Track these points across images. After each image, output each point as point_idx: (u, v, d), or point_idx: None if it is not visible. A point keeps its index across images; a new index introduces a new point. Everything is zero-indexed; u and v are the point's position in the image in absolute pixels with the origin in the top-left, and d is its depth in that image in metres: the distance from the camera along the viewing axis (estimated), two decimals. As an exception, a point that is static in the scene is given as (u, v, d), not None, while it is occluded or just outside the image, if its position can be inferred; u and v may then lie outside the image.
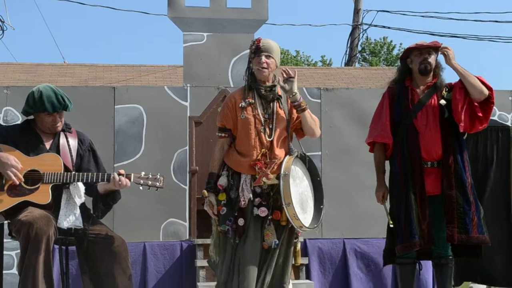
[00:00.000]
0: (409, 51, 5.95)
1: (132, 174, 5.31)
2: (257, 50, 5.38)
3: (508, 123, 10.17)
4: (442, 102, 5.80)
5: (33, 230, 4.85)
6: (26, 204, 5.09)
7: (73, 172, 5.26)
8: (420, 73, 5.88)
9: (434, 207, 5.70)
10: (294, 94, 5.31)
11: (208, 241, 8.49)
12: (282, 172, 5.20)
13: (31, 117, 5.45)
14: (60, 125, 5.40)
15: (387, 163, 5.97)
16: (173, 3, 9.93)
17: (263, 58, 5.36)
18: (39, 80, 13.35)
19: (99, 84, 13.06)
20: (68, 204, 5.20)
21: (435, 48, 5.88)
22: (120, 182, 5.21)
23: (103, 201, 5.38)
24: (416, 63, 5.89)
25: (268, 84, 5.43)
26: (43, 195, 5.14)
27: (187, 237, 9.24)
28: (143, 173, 5.35)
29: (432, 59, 5.87)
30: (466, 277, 7.59)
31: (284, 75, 5.30)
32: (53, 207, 5.17)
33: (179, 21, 9.97)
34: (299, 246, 5.51)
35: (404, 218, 5.68)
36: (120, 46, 53.62)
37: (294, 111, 5.43)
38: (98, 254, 5.20)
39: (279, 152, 5.34)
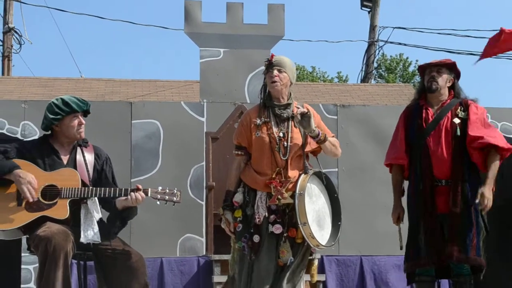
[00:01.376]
0: (421, 69, 5.95)
1: (149, 189, 5.32)
2: (269, 65, 5.39)
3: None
4: (456, 120, 5.74)
5: (51, 246, 4.86)
6: (44, 219, 5.09)
7: (91, 187, 5.27)
8: (428, 91, 5.86)
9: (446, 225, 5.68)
10: (313, 131, 5.28)
11: (225, 257, 8.50)
12: (297, 191, 5.17)
13: (48, 132, 5.48)
14: (83, 130, 5.43)
15: (406, 183, 5.96)
16: (190, 19, 9.98)
17: (275, 72, 5.35)
18: (56, 94, 13.36)
19: (116, 99, 13.09)
20: (86, 219, 5.21)
21: (450, 67, 5.86)
22: (135, 198, 5.22)
23: (121, 217, 5.39)
24: (425, 81, 5.88)
25: (283, 102, 5.42)
26: (61, 210, 5.15)
27: (204, 253, 9.24)
28: (160, 188, 5.36)
29: (443, 78, 5.83)
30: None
31: (298, 116, 5.21)
32: (71, 222, 5.17)
33: (196, 37, 10.02)
34: (316, 264, 5.49)
35: (411, 236, 5.71)
36: (137, 61, 53.81)
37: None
38: (116, 269, 5.20)
39: (294, 171, 5.32)
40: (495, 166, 5.67)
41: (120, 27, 69.76)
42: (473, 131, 5.66)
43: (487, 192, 5.59)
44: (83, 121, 5.44)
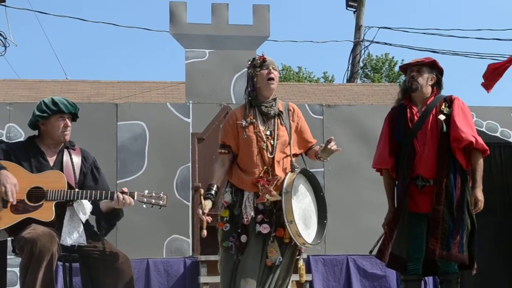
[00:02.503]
0: (403, 70, 5.96)
1: (136, 192, 5.31)
2: (263, 63, 5.41)
3: (510, 140, 10.18)
4: (441, 117, 5.72)
5: (36, 247, 4.84)
6: (29, 221, 5.08)
7: (77, 190, 5.26)
8: (409, 91, 5.85)
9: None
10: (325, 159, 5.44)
11: (211, 257, 8.51)
12: (284, 189, 5.18)
13: (35, 131, 5.46)
14: (69, 133, 5.42)
15: None
16: (175, 20, 9.97)
17: (272, 70, 5.40)
18: (41, 96, 13.32)
19: (102, 101, 13.07)
20: (71, 221, 5.20)
21: (430, 66, 5.87)
22: (123, 201, 5.21)
23: (106, 219, 5.38)
24: (406, 81, 5.88)
25: (270, 99, 5.45)
26: (46, 212, 5.13)
27: (191, 254, 9.23)
28: (146, 191, 5.34)
29: (423, 77, 5.82)
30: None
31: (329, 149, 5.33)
32: (57, 224, 5.16)
33: (181, 38, 10.01)
34: (301, 263, 5.48)
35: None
36: (123, 63, 53.70)
37: (296, 134, 5.49)
38: (102, 271, 5.20)
39: (281, 168, 5.34)
40: (480, 167, 5.68)
41: (105, 29, 69.58)
42: (454, 130, 5.66)
43: (479, 195, 5.63)
44: (69, 124, 5.42)
